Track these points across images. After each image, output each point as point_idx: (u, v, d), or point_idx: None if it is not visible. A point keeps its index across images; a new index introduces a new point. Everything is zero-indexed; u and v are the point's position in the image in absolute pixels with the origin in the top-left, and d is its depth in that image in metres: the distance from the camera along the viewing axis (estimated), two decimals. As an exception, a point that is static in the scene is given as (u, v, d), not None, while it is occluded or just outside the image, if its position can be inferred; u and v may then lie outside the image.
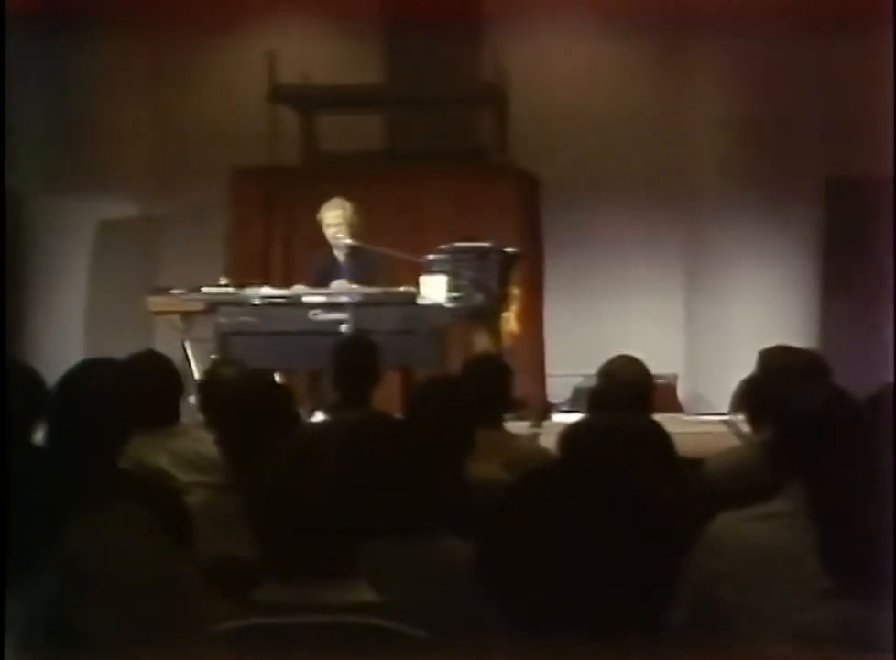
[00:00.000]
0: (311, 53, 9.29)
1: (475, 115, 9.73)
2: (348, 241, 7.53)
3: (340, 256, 7.65)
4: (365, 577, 2.11)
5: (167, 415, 4.11)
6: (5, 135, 8.14)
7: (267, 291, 7.46)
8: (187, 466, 3.90)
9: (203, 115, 9.52)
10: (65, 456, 3.02)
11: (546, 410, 8.11)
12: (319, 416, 6.32)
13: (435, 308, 7.20)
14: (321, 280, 7.53)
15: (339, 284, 7.48)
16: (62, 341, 9.02)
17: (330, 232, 7.58)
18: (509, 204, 8.93)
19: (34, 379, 3.49)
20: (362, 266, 7.54)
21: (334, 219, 7.57)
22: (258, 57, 9.00)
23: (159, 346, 5.95)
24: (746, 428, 4.28)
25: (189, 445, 3.99)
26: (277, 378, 6.64)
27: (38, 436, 3.43)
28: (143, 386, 3.99)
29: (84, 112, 9.29)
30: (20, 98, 9.08)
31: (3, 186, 8.03)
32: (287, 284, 7.92)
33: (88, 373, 3.13)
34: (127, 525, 1.99)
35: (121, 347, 5.14)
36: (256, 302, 7.31)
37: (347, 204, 7.61)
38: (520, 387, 5.92)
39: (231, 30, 9.53)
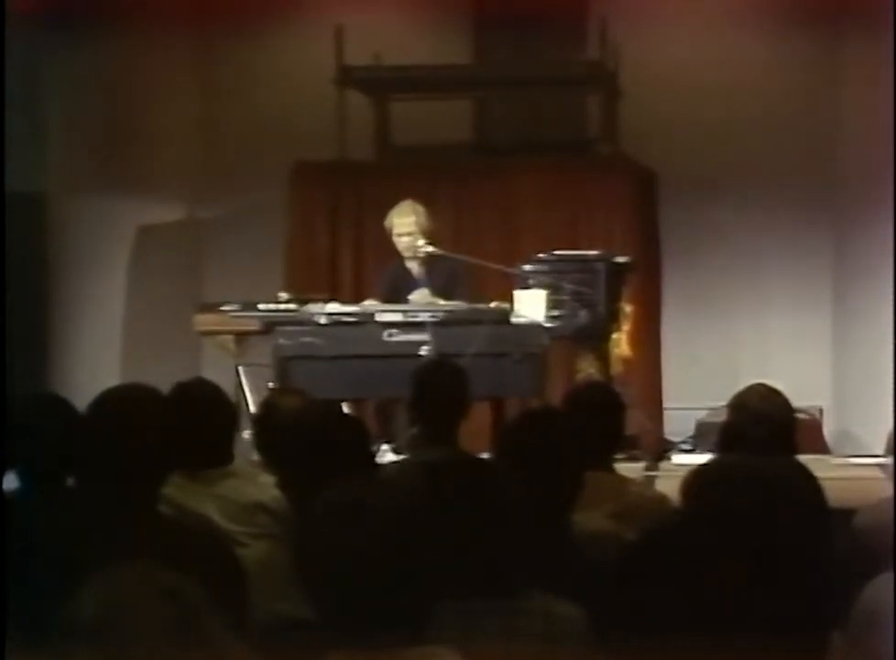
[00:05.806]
0: (385, 29, 9.36)
1: (578, 100, 9.74)
2: (427, 249, 7.55)
3: (414, 268, 7.69)
4: (452, 646, 2.11)
5: (217, 455, 4.14)
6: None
7: (334, 307, 7.51)
8: (240, 513, 3.93)
9: (258, 102, 9.62)
10: (96, 500, 3.05)
11: (663, 449, 8.07)
12: (390, 455, 6.36)
13: (532, 328, 7.21)
14: (393, 299, 7.56)
15: (420, 295, 7.51)
16: (95, 365, 9.15)
17: (403, 242, 7.62)
18: (620, 204, 8.92)
19: (63, 409, 3.55)
20: (440, 278, 7.57)
21: (406, 227, 7.62)
22: (323, 33, 9.08)
23: (208, 373, 6.02)
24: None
25: (242, 490, 4.02)
26: (345, 409, 6.70)
27: (69, 475, 3.49)
28: (189, 419, 4.03)
29: (122, 104, 9.43)
30: (57, 94, 9.28)
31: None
32: (357, 299, 7.97)
33: (123, 401, 3.15)
34: (169, 582, 2.00)
35: (163, 374, 5.19)
36: (322, 320, 7.36)
37: (420, 208, 7.65)
38: (633, 422, 5.89)
39: (290, 2, 9.62)
